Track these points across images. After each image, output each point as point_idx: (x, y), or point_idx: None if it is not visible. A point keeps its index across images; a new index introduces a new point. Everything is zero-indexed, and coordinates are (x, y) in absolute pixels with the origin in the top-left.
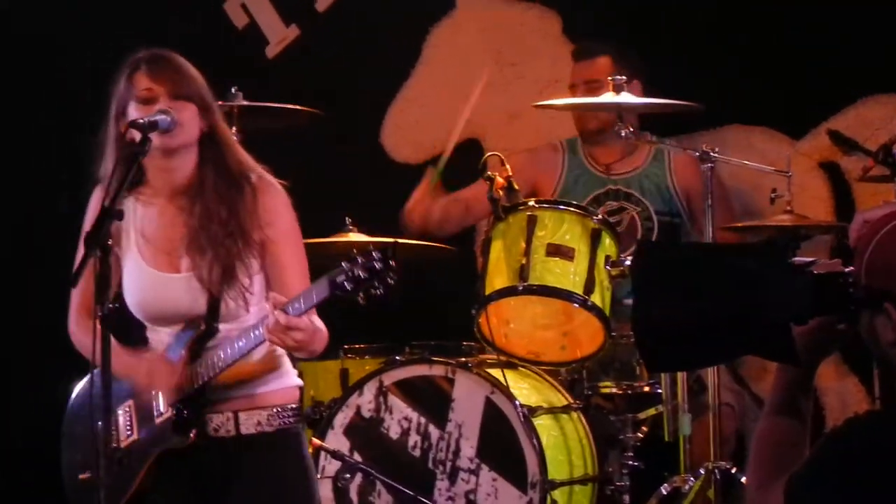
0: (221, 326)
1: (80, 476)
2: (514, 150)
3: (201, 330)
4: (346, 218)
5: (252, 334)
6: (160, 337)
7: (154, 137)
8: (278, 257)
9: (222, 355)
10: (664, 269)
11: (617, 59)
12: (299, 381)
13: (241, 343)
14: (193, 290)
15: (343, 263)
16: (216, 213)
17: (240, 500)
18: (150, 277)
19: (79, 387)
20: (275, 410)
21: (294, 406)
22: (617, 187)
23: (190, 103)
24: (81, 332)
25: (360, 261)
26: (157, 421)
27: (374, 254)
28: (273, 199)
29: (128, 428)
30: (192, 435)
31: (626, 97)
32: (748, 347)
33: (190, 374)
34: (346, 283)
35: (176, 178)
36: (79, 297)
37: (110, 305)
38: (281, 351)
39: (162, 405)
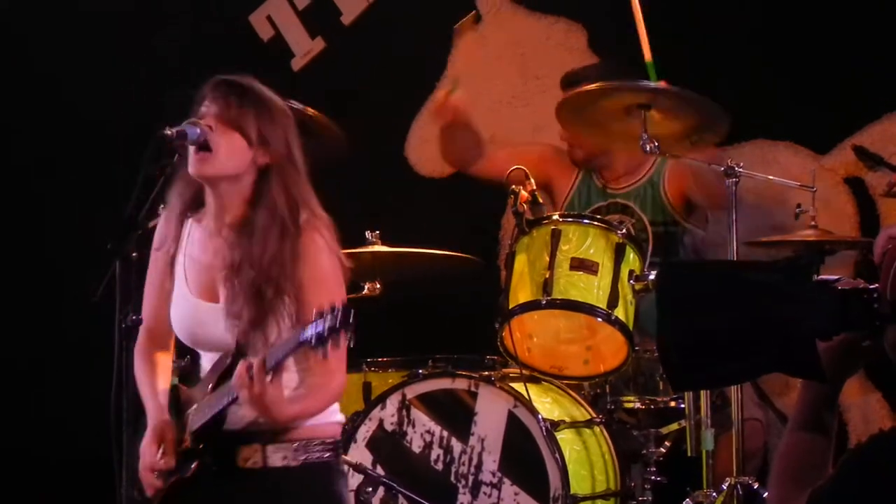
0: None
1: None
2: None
3: (228, 363)
4: (367, 232)
5: (230, 392)
6: (204, 363)
7: (192, 159)
8: (303, 298)
9: (226, 393)
10: (689, 287)
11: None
12: (340, 417)
13: (225, 397)
14: (224, 323)
15: (315, 317)
16: (257, 260)
17: None
18: (189, 303)
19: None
20: (303, 444)
21: (329, 441)
22: (616, 200)
23: (235, 132)
24: (139, 361)
25: (325, 317)
26: (178, 449)
27: (334, 312)
28: (311, 240)
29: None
30: (192, 468)
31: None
32: (773, 364)
33: (205, 399)
34: (311, 339)
35: (227, 208)
36: (147, 324)
37: (132, 318)
38: None
39: (186, 433)
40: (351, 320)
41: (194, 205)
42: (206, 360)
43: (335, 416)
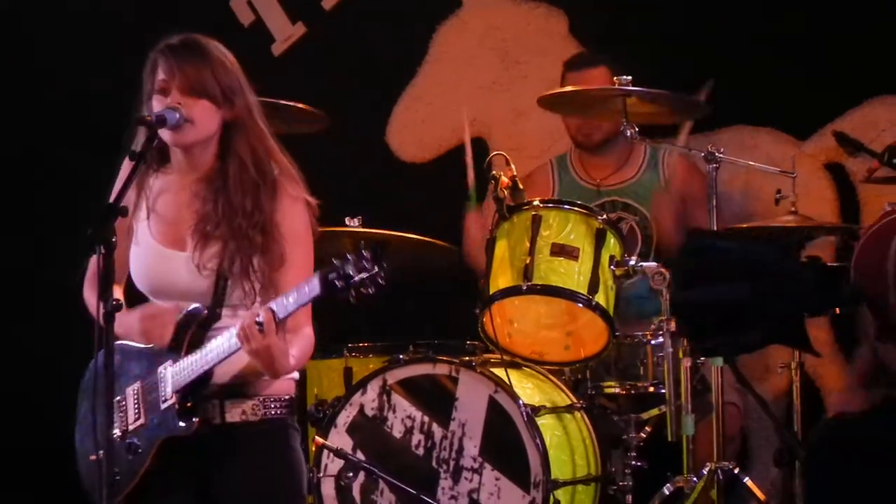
0: (224, 312)
1: (91, 457)
2: (519, 148)
3: (205, 315)
4: (347, 219)
5: (231, 339)
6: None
7: (165, 133)
8: (278, 248)
9: (208, 356)
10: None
11: (614, 70)
12: (294, 375)
13: (222, 347)
14: (193, 271)
15: (335, 261)
16: (241, 207)
17: (225, 487)
18: (155, 251)
19: (91, 367)
20: (261, 400)
21: (285, 398)
22: (612, 198)
23: (203, 99)
24: (90, 292)
25: (351, 259)
26: (163, 407)
27: (364, 253)
28: (289, 197)
29: (136, 411)
30: (195, 423)
31: (634, 98)
32: (772, 335)
33: (186, 357)
34: (336, 282)
35: (196, 164)
36: (94, 264)
37: (114, 302)
38: None
39: (168, 391)
40: (378, 264)
41: (158, 161)
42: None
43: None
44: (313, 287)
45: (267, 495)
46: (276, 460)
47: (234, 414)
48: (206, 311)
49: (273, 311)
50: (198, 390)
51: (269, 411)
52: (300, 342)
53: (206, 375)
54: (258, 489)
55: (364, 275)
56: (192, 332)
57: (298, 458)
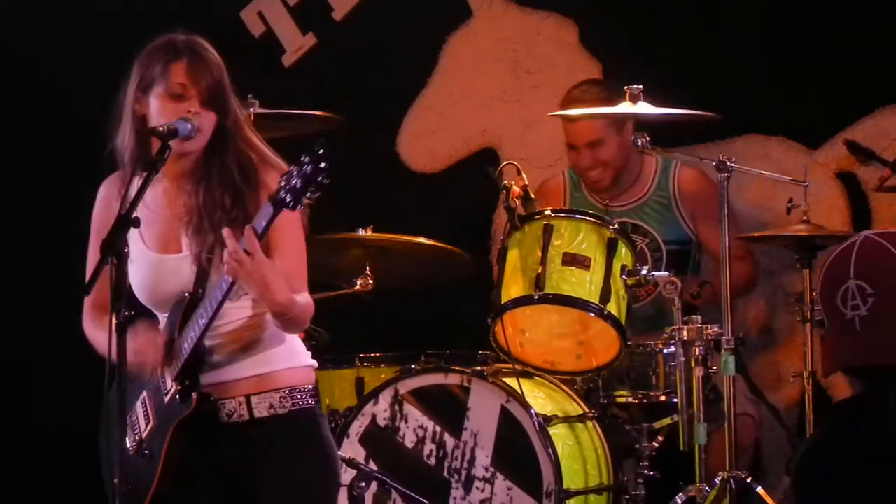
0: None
1: (115, 480)
2: (530, 158)
3: (187, 298)
4: (359, 229)
5: (222, 283)
6: (163, 323)
7: (172, 142)
8: (270, 238)
9: (203, 312)
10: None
11: (609, 94)
12: (313, 362)
13: (216, 293)
14: (193, 269)
15: (280, 179)
16: (220, 201)
17: (261, 484)
18: (151, 260)
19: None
20: (287, 391)
21: (309, 387)
22: (622, 220)
23: (213, 111)
24: (93, 328)
25: (294, 171)
26: (167, 399)
27: (304, 159)
28: (270, 182)
29: (146, 417)
30: (194, 398)
31: (644, 107)
32: None
33: (180, 341)
34: (286, 197)
35: (183, 162)
36: (92, 294)
37: (126, 313)
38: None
39: (168, 382)
40: (324, 166)
41: (139, 167)
42: (164, 319)
43: (308, 359)
44: (266, 211)
45: (306, 488)
46: (313, 452)
47: (261, 409)
48: (188, 295)
49: (252, 228)
50: (194, 368)
51: (298, 402)
52: (302, 301)
53: (200, 350)
54: (299, 482)
55: (307, 181)
56: (181, 316)
57: (332, 447)
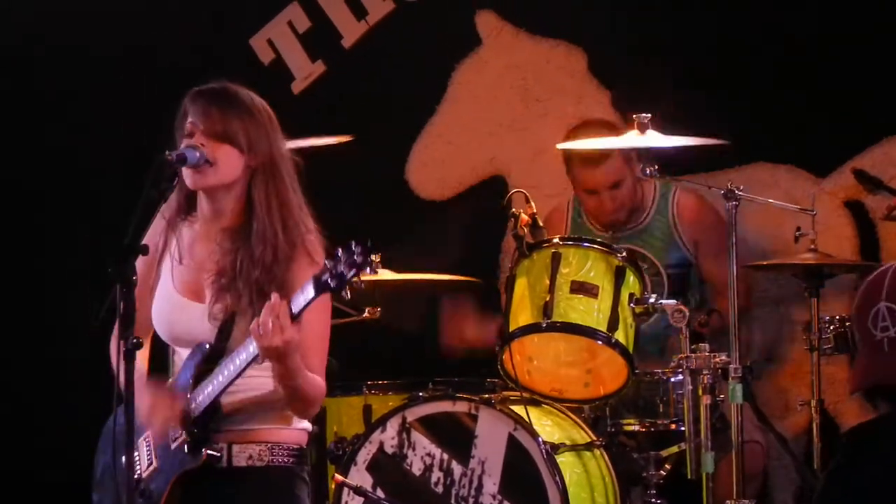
0: (230, 346)
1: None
2: (539, 186)
3: (208, 349)
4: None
5: (248, 346)
6: (181, 357)
7: (186, 175)
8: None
9: (225, 372)
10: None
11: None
12: (307, 426)
13: (240, 356)
14: (207, 323)
15: (326, 262)
16: (261, 259)
17: None
18: (173, 301)
19: (109, 422)
20: (268, 447)
21: (294, 447)
22: (623, 246)
23: (227, 144)
24: (115, 350)
25: (341, 257)
26: (173, 446)
27: (353, 248)
28: (307, 257)
29: (148, 457)
30: (203, 453)
31: (653, 137)
32: None
33: (192, 400)
34: (329, 281)
35: (221, 212)
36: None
37: (134, 341)
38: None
39: (177, 429)
40: (368, 256)
41: (186, 209)
42: (182, 356)
43: (301, 423)
44: (308, 292)
45: None
46: None
47: (240, 458)
48: (209, 346)
49: (289, 303)
50: (206, 423)
51: (276, 458)
52: (313, 380)
53: (215, 407)
54: None
55: (354, 270)
56: (199, 366)
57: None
